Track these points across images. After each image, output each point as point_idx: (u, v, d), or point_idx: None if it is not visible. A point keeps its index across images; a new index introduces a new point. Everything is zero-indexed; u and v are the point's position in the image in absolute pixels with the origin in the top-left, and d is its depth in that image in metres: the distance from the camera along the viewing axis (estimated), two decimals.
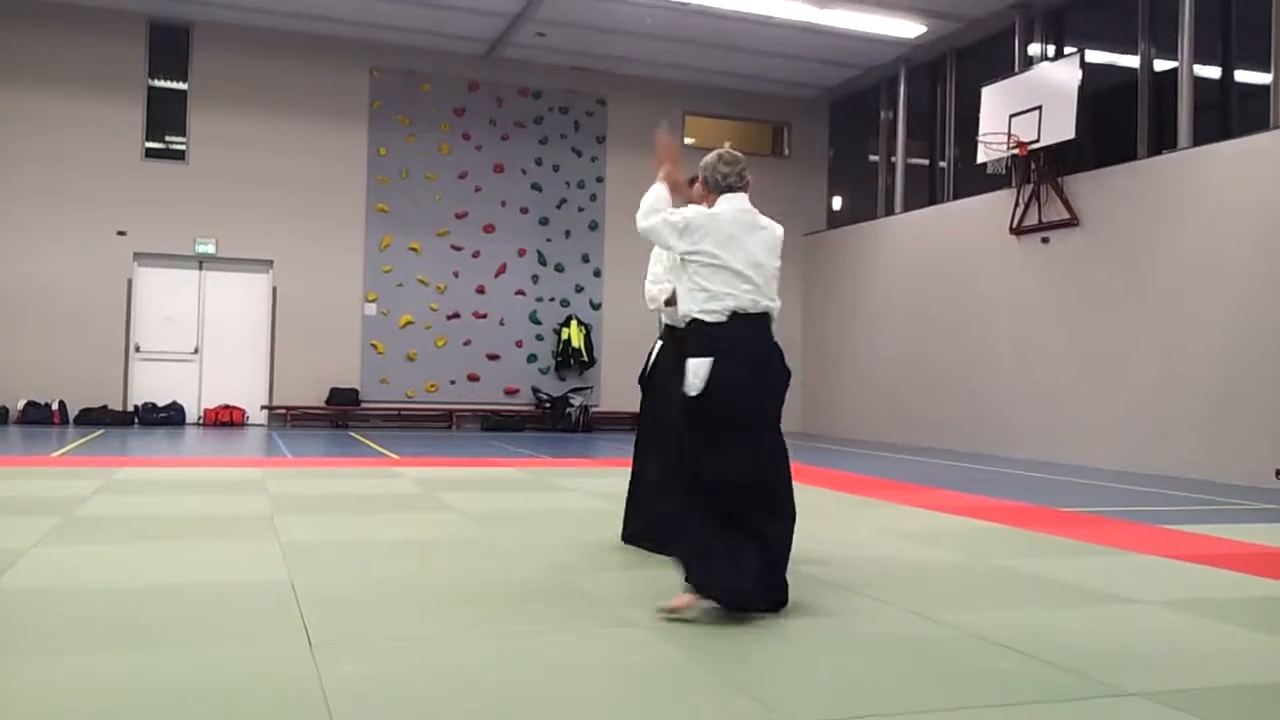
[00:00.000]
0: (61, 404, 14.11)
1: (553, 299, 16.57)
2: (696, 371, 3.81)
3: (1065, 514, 7.05)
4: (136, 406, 14.62)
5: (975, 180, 13.80)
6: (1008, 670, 3.12)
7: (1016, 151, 12.30)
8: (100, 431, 13.06)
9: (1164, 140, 11.44)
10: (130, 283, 14.68)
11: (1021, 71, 12.87)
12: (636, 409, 5.21)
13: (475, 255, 16.15)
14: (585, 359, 16.37)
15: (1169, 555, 5.26)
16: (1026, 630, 3.61)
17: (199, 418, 15.02)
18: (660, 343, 5.11)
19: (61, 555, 4.62)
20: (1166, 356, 10.77)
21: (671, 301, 4.66)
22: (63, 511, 5.83)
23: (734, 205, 4.02)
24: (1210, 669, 3.21)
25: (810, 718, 2.63)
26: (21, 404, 13.93)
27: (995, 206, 13.29)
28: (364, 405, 15.50)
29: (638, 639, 3.40)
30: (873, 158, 16.78)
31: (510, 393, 16.29)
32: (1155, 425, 10.83)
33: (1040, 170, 12.37)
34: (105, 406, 14.37)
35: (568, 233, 16.66)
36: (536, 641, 3.34)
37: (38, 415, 13.88)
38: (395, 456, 10.55)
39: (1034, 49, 13.26)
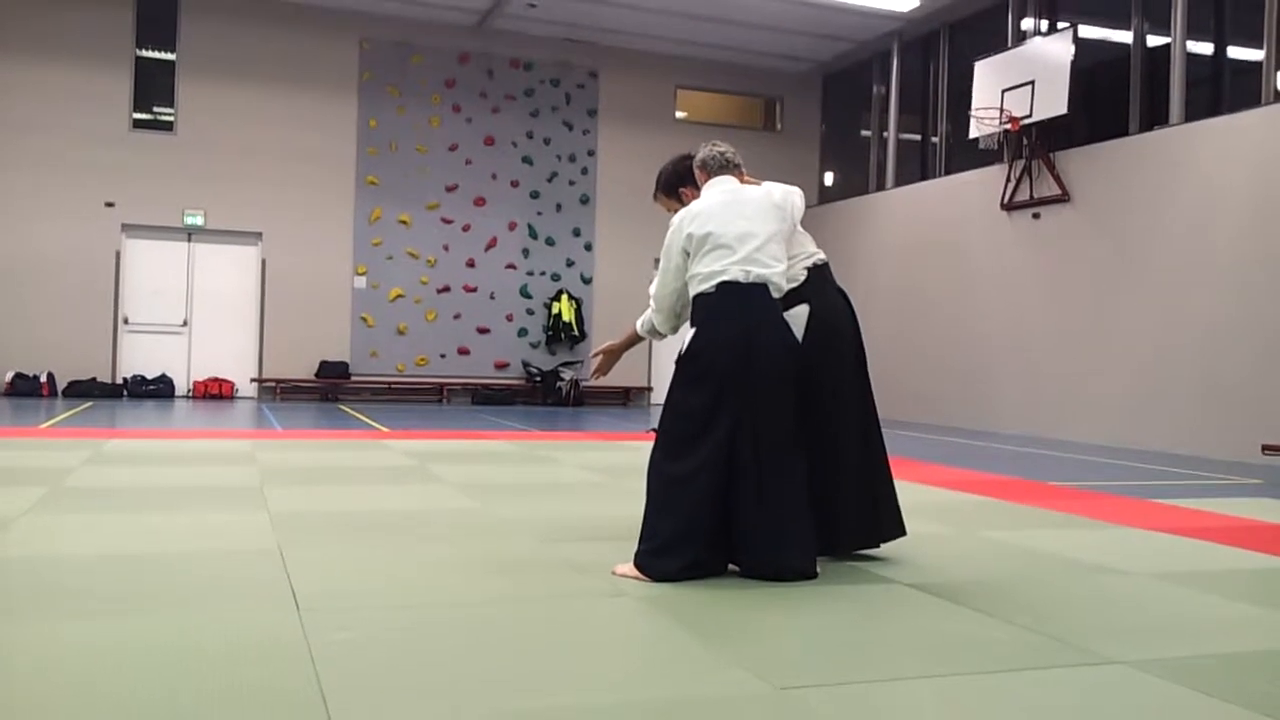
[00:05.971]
0: (50, 376, 14.06)
1: (543, 273, 16.54)
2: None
3: (1054, 488, 7.09)
4: (125, 379, 14.58)
5: (967, 155, 13.80)
6: (994, 638, 3.14)
7: (1009, 127, 12.28)
8: (89, 404, 13.02)
9: (1156, 116, 11.44)
10: (119, 254, 14.60)
11: (1015, 46, 12.83)
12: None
13: (465, 229, 16.10)
14: (576, 333, 16.35)
15: (1157, 528, 5.29)
16: (1013, 600, 3.63)
17: (188, 390, 14.99)
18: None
19: (50, 524, 4.61)
20: (1156, 332, 10.81)
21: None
22: (51, 481, 5.82)
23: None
24: (1196, 639, 3.23)
25: (802, 686, 2.65)
26: (9, 376, 13.88)
27: (987, 182, 13.28)
28: (354, 378, 15.47)
29: (631, 609, 3.41)
30: (865, 132, 16.75)
31: (500, 367, 16.29)
32: (1144, 401, 10.88)
33: (1032, 145, 12.36)
34: (94, 379, 14.33)
35: (559, 206, 16.61)
36: (527, 611, 3.34)
37: (26, 387, 13.83)
38: (385, 429, 10.54)
39: (1027, 23, 13.22)
